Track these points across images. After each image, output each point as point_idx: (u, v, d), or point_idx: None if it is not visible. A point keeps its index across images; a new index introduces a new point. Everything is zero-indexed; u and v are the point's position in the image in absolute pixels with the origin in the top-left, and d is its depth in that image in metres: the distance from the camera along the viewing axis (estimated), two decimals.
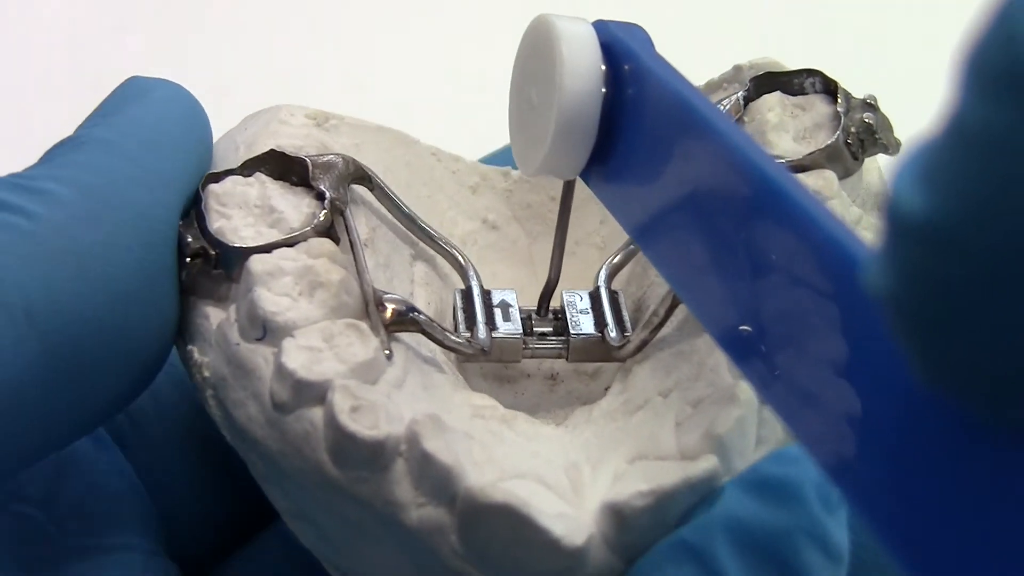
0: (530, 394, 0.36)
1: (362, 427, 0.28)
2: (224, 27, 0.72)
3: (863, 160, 0.34)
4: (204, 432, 0.35)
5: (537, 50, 0.31)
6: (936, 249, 0.17)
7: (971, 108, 0.17)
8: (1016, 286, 0.17)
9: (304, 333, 0.29)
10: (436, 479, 0.28)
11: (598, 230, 0.39)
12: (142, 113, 0.32)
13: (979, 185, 0.17)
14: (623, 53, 0.30)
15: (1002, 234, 0.17)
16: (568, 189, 0.33)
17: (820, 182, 0.33)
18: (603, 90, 0.30)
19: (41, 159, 0.31)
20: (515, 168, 0.39)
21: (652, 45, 0.30)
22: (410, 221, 0.35)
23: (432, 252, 0.36)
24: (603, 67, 0.30)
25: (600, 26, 0.31)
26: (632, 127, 0.30)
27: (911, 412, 0.21)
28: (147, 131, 0.31)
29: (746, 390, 0.28)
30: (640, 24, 0.31)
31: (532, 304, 0.36)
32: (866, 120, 0.34)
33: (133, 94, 0.32)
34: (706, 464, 0.28)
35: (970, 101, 0.17)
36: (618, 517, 0.27)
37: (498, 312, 0.34)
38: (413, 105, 0.64)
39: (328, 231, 0.32)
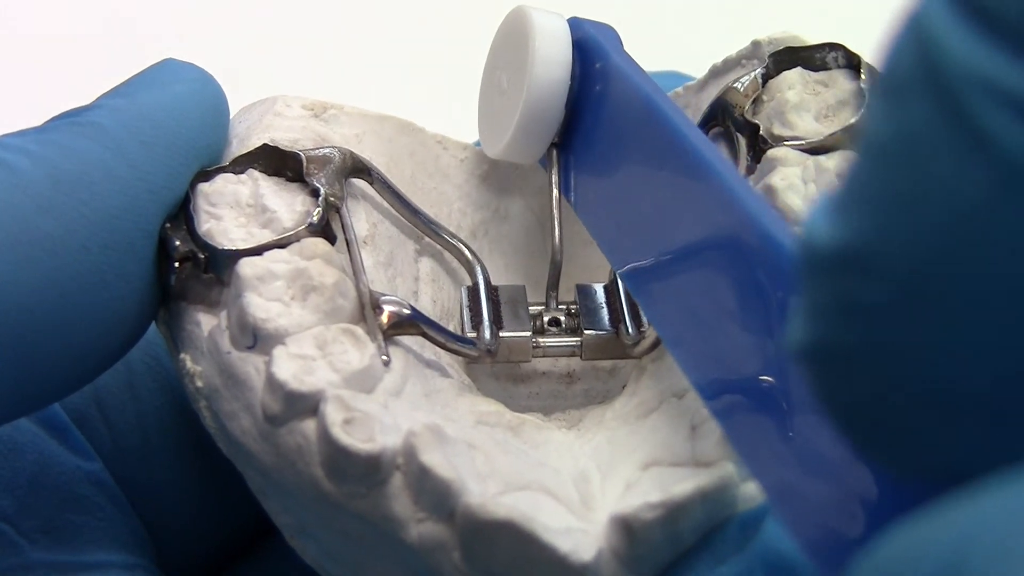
0: (545, 393, 0.34)
1: (356, 440, 0.26)
2: (226, 16, 0.71)
3: None
4: (193, 439, 0.33)
5: (512, 38, 0.33)
6: (852, 273, 0.17)
7: (879, 117, 0.17)
8: (943, 308, 0.16)
9: (296, 340, 0.28)
10: (435, 494, 0.26)
11: None
12: (152, 106, 0.30)
13: (891, 197, 0.17)
14: (595, 51, 0.32)
15: (919, 245, 0.16)
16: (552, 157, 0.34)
17: (844, 164, 0.31)
18: (569, 83, 0.32)
19: (40, 126, 0.29)
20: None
21: (621, 44, 0.33)
22: (414, 215, 0.34)
23: (439, 247, 0.34)
24: (572, 61, 0.32)
25: (575, 23, 0.33)
26: (597, 122, 0.32)
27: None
28: (150, 127, 0.29)
29: None
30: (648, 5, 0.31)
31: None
32: None
33: (156, 80, 0.31)
34: (720, 472, 0.26)
35: (879, 110, 0.17)
36: (628, 531, 0.26)
37: (506, 309, 0.33)
38: (416, 92, 0.62)
39: (323, 230, 0.30)
